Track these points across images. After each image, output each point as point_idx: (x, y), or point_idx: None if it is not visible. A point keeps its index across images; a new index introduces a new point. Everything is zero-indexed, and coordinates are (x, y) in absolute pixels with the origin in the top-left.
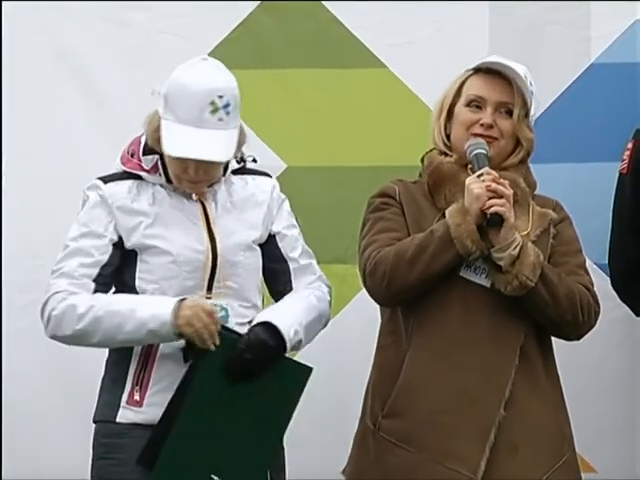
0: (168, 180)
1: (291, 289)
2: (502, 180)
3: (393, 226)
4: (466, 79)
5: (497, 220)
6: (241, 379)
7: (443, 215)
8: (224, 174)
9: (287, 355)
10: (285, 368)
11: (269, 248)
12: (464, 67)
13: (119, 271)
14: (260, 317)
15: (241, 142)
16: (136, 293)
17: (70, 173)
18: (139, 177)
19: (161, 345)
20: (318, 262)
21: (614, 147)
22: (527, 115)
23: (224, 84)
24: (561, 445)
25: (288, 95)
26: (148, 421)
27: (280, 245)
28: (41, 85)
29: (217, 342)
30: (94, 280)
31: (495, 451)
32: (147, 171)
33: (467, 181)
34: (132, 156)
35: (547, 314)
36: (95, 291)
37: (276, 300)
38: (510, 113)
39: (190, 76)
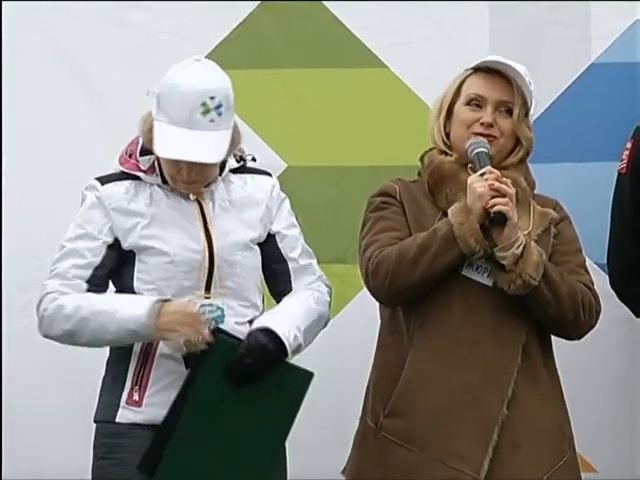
0: (165, 181)
1: (291, 289)
2: (505, 179)
3: (394, 225)
4: (465, 78)
5: (500, 219)
6: (242, 384)
7: (444, 214)
8: (221, 174)
9: (288, 360)
10: (286, 373)
11: (269, 248)
12: (464, 67)
13: (118, 272)
14: (259, 322)
15: (235, 142)
16: (134, 294)
17: (70, 173)
18: (137, 177)
19: (160, 344)
20: (318, 262)
21: (614, 147)
22: (527, 114)
23: (216, 85)
24: (562, 444)
25: (288, 95)
26: (147, 421)
27: (280, 245)
28: (41, 85)
29: (208, 340)
30: (87, 281)
31: (498, 451)
32: (144, 171)
33: (469, 180)
34: (130, 156)
35: (549, 313)
36: (88, 291)
37: (276, 299)
38: (510, 112)
39: (182, 77)
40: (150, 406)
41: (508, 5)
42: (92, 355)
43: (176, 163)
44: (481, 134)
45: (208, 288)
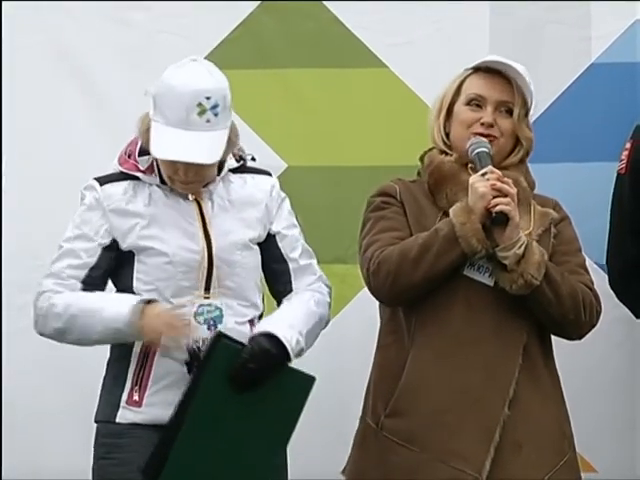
0: (163, 181)
1: (291, 290)
2: (506, 179)
3: (395, 225)
4: (465, 78)
5: (502, 219)
6: (245, 389)
7: (444, 214)
8: (219, 173)
9: (289, 365)
10: (288, 377)
11: (269, 248)
12: (464, 67)
13: (118, 272)
14: (262, 327)
15: (232, 142)
16: (134, 294)
17: (70, 173)
18: (136, 178)
19: (161, 344)
20: (318, 262)
21: (614, 147)
22: (527, 114)
23: (212, 85)
24: (563, 444)
25: (288, 95)
26: (147, 421)
27: (280, 245)
28: (41, 85)
29: (191, 335)
30: (82, 281)
31: (499, 451)
32: (143, 172)
33: (471, 180)
34: (129, 157)
35: (550, 313)
36: (82, 291)
37: (276, 299)
38: (510, 112)
39: (178, 77)
40: (150, 406)
41: (508, 5)
42: (92, 355)
43: (173, 164)
44: (481, 134)
45: (208, 288)
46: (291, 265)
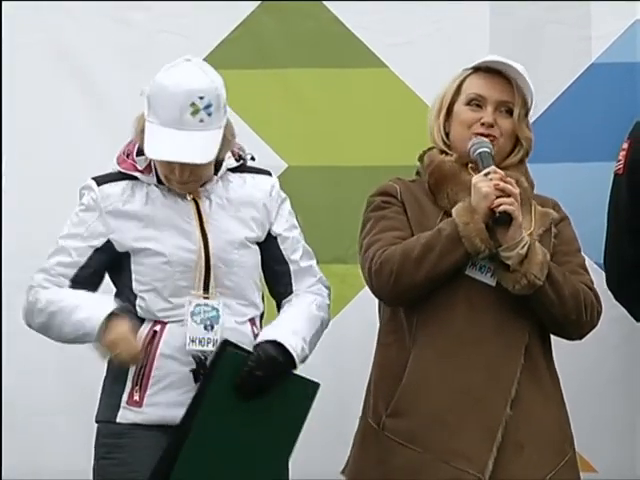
0: (161, 180)
1: (291, 291)
2: (509, 179)
3: (396, 225)
4: (465, 78)
5: (506, 219)
6: (251, 396)
7: (445, 214)
8: (217, 172)
9: (294, 371)
10: (293, 384)
11: (270, 249)
12: (465, 67)
13: (117, 273)
14: (266, 334)
15: (228, 141)
16: (134, 294)
17: (70, 173)
18: (134, 177)
19: (161, 345)
20: (318, 262)
21: (614, 147)
22: (527, 114)
23: (206, 85)
24: (564, 444)
25: (289, 95)
26: (148, 421)
27: (282, 247)
28: (41, 85)
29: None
30: (71, 280)
31: (501, 451)
32: (141, 171)
33: (474, 180)
34: (127, 156)
35: (552, 313)
36: (70, 289)
37: (276, 300)
38: (510, 112)
39: (171, 78)
40: (150, 406)
41: (508, 5)
42: (93, 355)
43: (169, 164)
44: (482, 134)
45: (206, 288)
46: (292, 267)
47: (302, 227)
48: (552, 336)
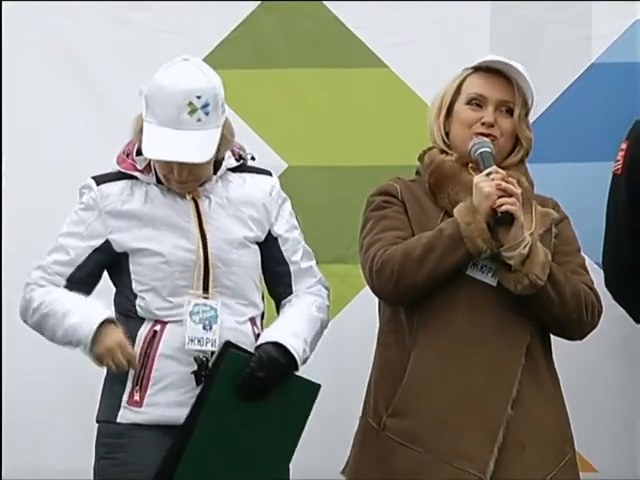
0: (160, 180)
1: (291, 292)
2: (511, 179)
3: (397, 225)
4: (466, 77)
5: (508, 219)
6: (253, 398)
7: (446, 214)
8: (216, 172)
9: (295, 372)
10: (294, 385)
11: (270, 250)
12: (465, 67)
13: (116, 273)
14: (267, 336)
15: (226, 140)
16: (133, 294)
17: (70, 173)
18: (133, 177)
19: (161, 345)
20: (318, 262)
21: (614, 147)
22: (527, 114)
23: (203, 84)
24: (564, 444)
25: (289, 95)
26: (148, 421)
27: (282, 248)
28: (41, 85)
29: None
30: (67, 279)
31: (502, 451)
32: (141, 171)
33: (476, 180)
34: (127, 156)
35: (553, 313)
36: (65, 288)
37: (275, 300)
38: (510, 112)
39: (168, 77)
40: (151, 406)
41: (508, 5)
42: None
43: (167, 163)
44: (482, 134)
45: (206, 287)
46: (292, 268)
47: (302, 227)
48: (552, 336)
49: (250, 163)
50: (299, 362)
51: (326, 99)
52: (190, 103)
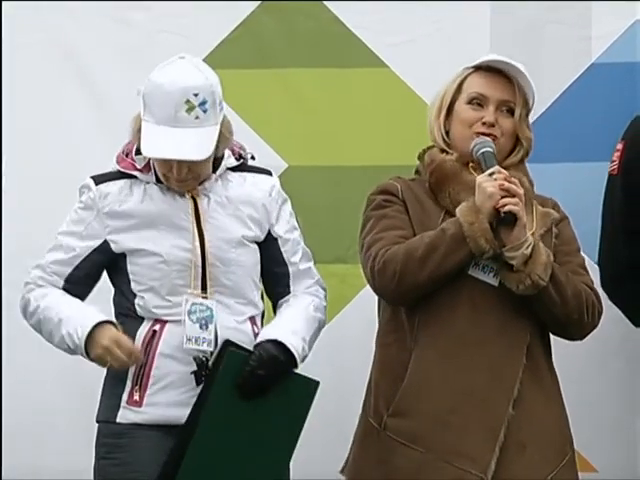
0: (160, 179)
1: (289, 292)
2: (513, 179)
3: (398, 224)
4: (466, 76)
5: (510, 219)
6: (253, 395)
7: (447, 213)
8: (215, 171)
9: (294, 370)
10: (293, 383)
11: (270, 250)
12: (465, 66)
13: (115, 273)
14: (266, 334)
15: (225, 138)
16: (132, 294)
17: (70, 173)
18: (133, 176)
19: (160, 344)
20: (318, 262)
21: (614, 147)
22: (527, 114)
23: (200, 82)
24: (564, 444)
25: (289, 95)
26: (148, 421)
27: (282, 249)
28: (41, 85)
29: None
30: (66, 279)
31: (503, 451)
32: (140, 170)
33: (478, 179)
34: (126, 156)
35: (555, 313)
36: (64, 289)
37: (272, 300)
38: (511, 112)
39: (165, 76)
40: (150, 406)
41: (508, 5)
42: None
43: (167, 161)
44: (483, 133)
45: (204, 286)
46: (291, 269)
47: (302, 227)
48: (552, 336)
49: (250, 162)
50: (298, 360)
51: (326, 99)
52: (188, 101)
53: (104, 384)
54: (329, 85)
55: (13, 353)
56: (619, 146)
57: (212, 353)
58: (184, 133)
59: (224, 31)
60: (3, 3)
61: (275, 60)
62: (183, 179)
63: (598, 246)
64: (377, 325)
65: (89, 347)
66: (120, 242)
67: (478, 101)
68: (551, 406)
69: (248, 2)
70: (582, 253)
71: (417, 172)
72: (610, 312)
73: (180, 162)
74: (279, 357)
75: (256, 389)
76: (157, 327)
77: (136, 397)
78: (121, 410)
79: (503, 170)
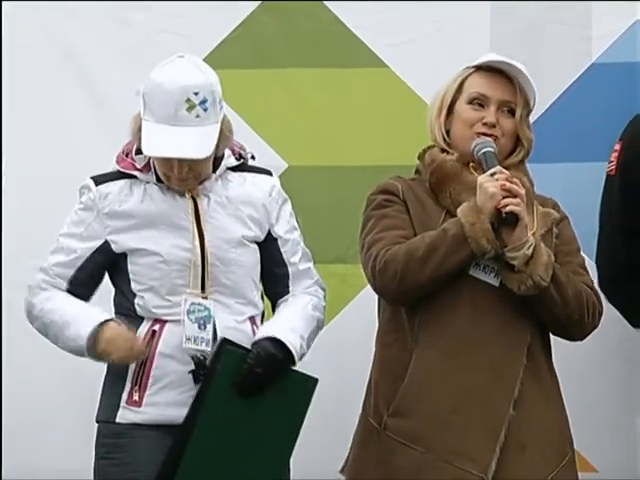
0: (160, 179)
1: (288, 292)
2: (515, 179)
3: (398, 224)
4: (467, 76)
5: (512, 219)
6: (251, 394)
7: (448, 213)
8: (215, 170)
9: (292, 367)
10: (292, 380)
11: (270, 250)
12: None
13: (115, 272)
14: (264, 331)
15: (225, 136)
16: (132, 293)
17: (70, 173)
18: (133, 176)
19: (160, 344)
20: (318, 262)
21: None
22: (528, 114)
23: (200, 80)
24: (564, 444)
25: (289, 95)
26: (147, 421)
27: (282, 250)
28: (41, 85)
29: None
30: (69, 281)
31: (504, 451)
32: (140, 170)
33: (480, 180)
34: (126, 155)
35: (555, 314)
36: (68, 291)
37: (271, 300)
38: (512, 112)
39: (165, 75)
40: (150, 406)
41: (508, 5)
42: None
43: (167, 160)
44: (484, 134)
45: (204, 286)
46: (291, 269)
47: (302, 227)
48: (552, 336)
49: (250, 162)
50: (296, 357)
51: (326, 99)
52: (188, 99)
53: (104, 384)
54: (329, 85)
55: (13, 353)
56: (617, 146)
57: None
58: (185, 132)
59: (224, 31)
60: (3, 3)
61: (275, 60)
62: (184, 178)
63: (596, 246)
64: (377, 325)
65: (94, 347)
66: (120, 242)
67: (479, 101)
68: (551, 406)
69: (248, 2)
70: (582, 253)
71: (417, 172)
72: (609, 312)
73: (181, 161)
74: (277, 355)
75: (254, 387)
76: (157, 327)
77: (135, 397)
78: (120, 410)
79: (504, 170)
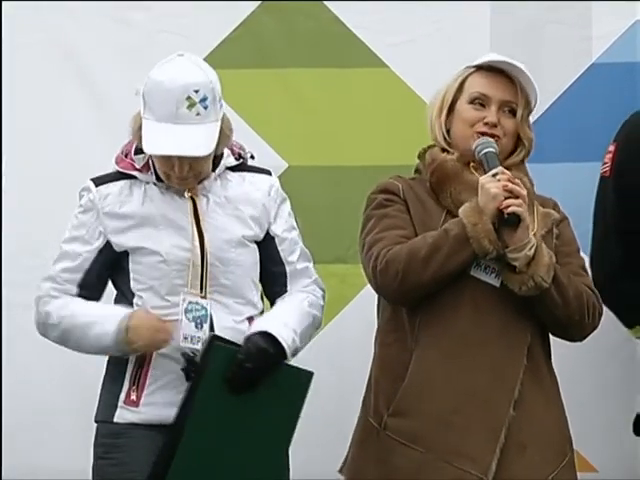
0: (159, 178)
1: (286, 291)
2: (517, 180)
3: (399, 223)
4: (468, 76)
5: (514, 220)
6: (243, 390)
7: (448, 213)
8: (214, 169)
9: (286, 362)
10: (286, 375)
11: (267, 249)
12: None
13: (116, 273)
14: (256, 326)
15: (225, 135)
16: (132, 293)
17: (70, 173)
18: (132, 177)
19: None
20: (318, 262)
21: None
22: (529, 114)
23: (200, 78)
24: (564, 445)
25: (289, 95)
26: (145, 421)
27: (280, 248)
28: (41, 85)
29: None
30: (78, 285)
31: (504, 451)
32: (139, 170)
33: (482, 180)
34: (126, 156)
35: (556, 315)
36: (79, 295)
37: (270, 299)
38: (513, 112)
39: (165, 73)
40: (148, 406)
41: (508, 5)
42: (93, 355)
43: (168, 159)
44: (485, 133)
45: (203, 286)
46: (288, 268)
47: (302, 227)
48: (551, 337)
49: (250, 162)
50: (288, 351)
51: (326, 99)
52: (188, 97)
53: (103, 384)
54: (329, 85)
55: (13, 353)
56: (611, 148)
57: None
58: (185, 130)
59: (224, 31)
60: (3, 3)
61: (275, 60)
62: (184, 177)
63: (590, 247)
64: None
65: (125, 339)
66: (121, 242)
67: (480, 101)
68: (551, 407)
69: (248, 2)
70: (582, 254)
71: (417, 171)
72: (609, 312)
73: (182, 159)
74: (268, 349)
75: (245, 383)
76: None
77: (133, 397)
78: (118, 410)
79: (506, 171)
